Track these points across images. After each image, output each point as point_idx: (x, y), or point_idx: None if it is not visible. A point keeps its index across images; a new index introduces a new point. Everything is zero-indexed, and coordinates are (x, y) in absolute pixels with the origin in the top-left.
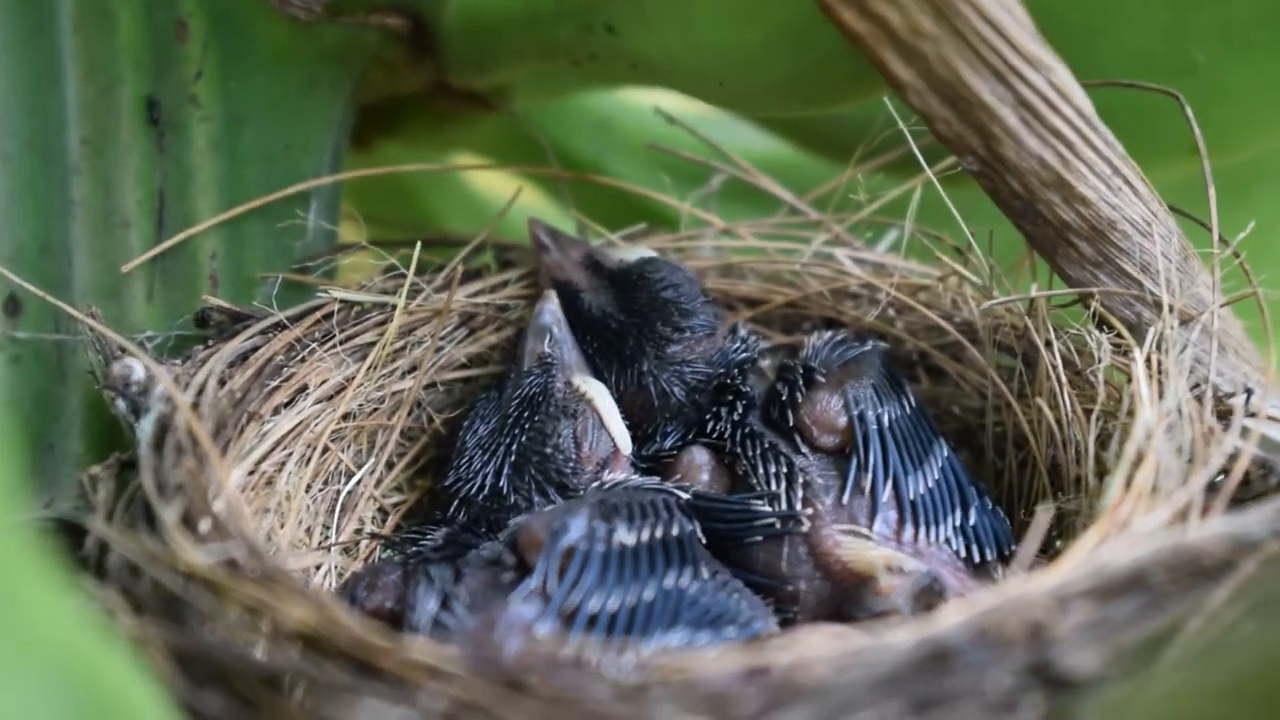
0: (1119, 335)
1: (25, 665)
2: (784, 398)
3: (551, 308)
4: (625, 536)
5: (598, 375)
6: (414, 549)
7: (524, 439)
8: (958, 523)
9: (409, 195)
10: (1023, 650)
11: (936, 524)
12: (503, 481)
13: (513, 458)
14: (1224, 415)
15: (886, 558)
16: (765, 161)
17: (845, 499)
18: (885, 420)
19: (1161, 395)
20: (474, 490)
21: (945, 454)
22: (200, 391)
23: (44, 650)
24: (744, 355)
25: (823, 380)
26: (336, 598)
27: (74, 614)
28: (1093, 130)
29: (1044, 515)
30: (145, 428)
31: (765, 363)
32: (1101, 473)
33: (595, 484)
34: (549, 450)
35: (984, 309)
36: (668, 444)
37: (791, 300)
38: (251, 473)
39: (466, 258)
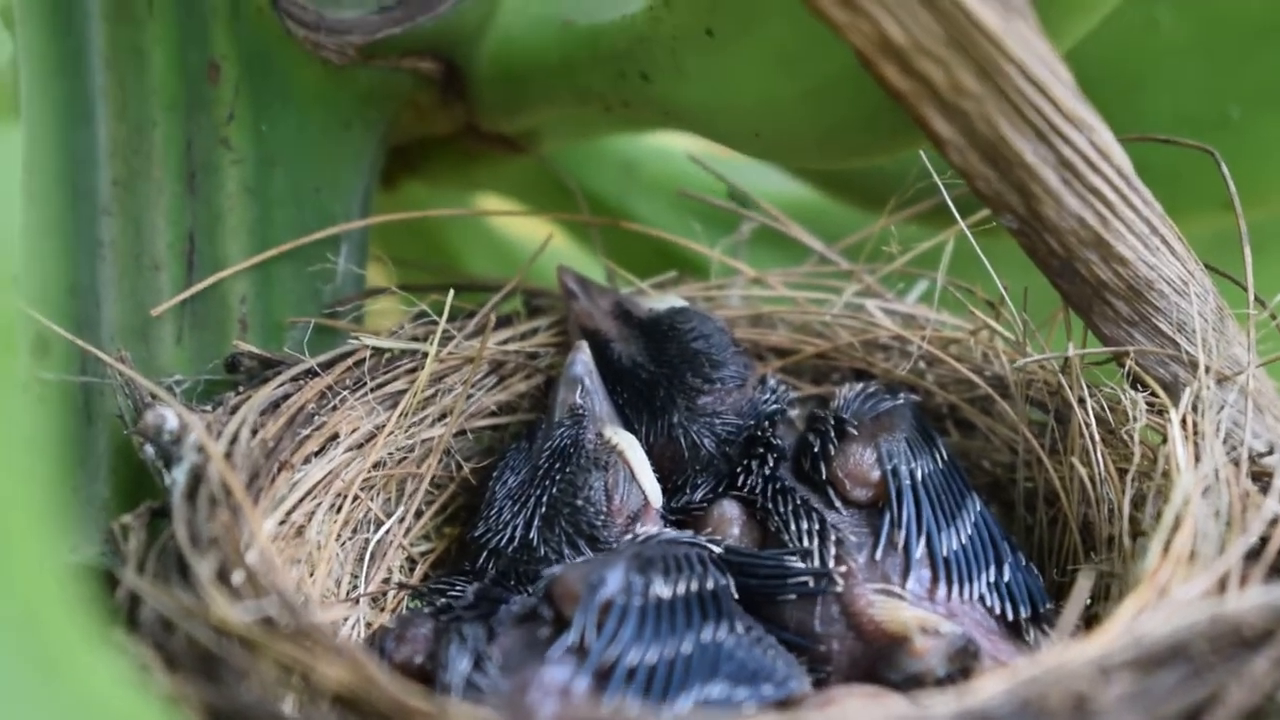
0: (1153, 394)
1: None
2: (815, 450)
3: (584, 358)
4: (662, 589)
5: (627, 426)
6: (443, 601)
7: (555, 491)
8: (991, 579)
9: (433, 235)
10: None
11: (970, 581)
12: (533, 534)
13: (543, 509)
14: (1259, 477)
15: (920, 619)
16: (795, 207)
17: (878, 555)
18: (919, 474)
19: (1198, 458)
20: (503, 542)
21: (978, 508)
22: (233, 440)
23: (86, 709)
24: (774, 406)
25: (855, 433)
26: (370, 653)
27: (113, 670)
28: (1132, 190)
29: (1084, 582)
30: (178, 478)
31: (794, 413)
32: (1136, 533)
33: (628, 537)
34: (580, 503)
35: (1017, 366)
36: (698, 496)
37: (822, 351)
38: (282, 522)
39: (497, 305)
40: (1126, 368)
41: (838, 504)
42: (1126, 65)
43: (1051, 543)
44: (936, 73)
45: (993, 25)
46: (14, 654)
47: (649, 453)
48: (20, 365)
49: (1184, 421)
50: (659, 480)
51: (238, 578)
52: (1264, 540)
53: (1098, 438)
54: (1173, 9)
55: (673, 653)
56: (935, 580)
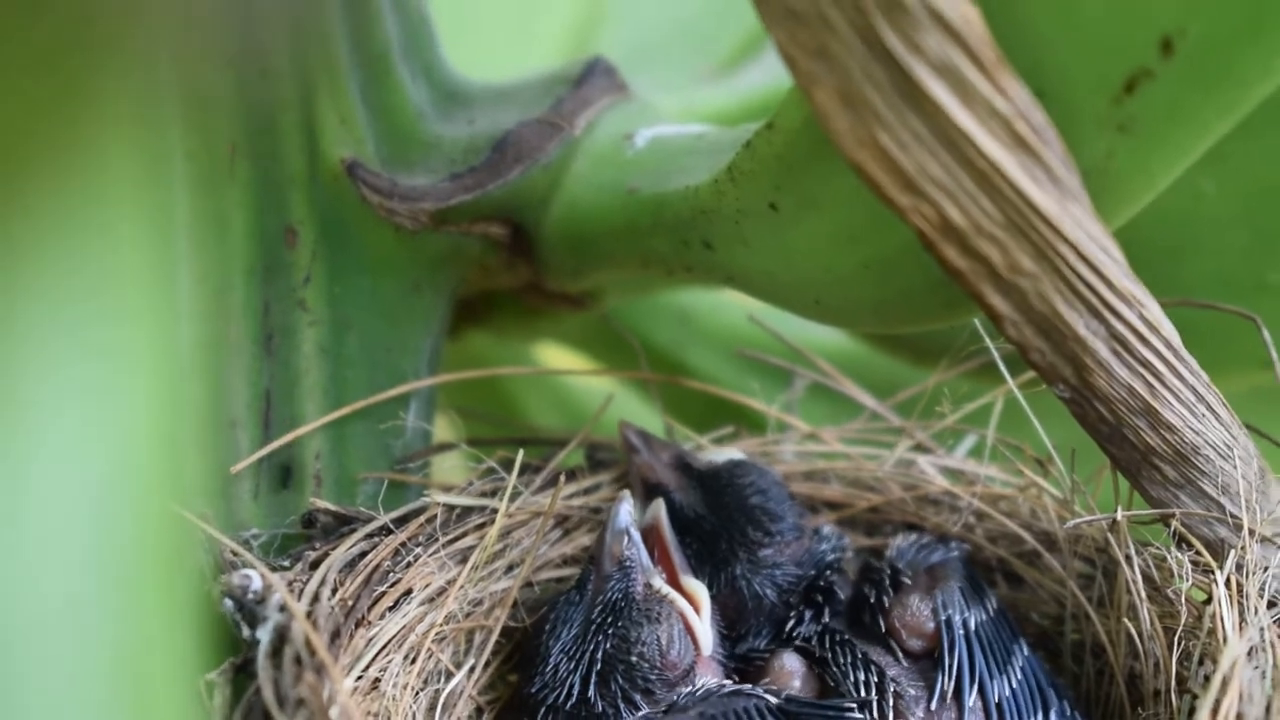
0: (1198, 554)
1: None
2: (872, 601)
3: (627, 508)
4: None
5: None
6: None
7: (609, 647)
8: None
9: (495, 383)
10: None
11: None
12: (590, 691)
13: (599, 667)
14: None
15: None
16: (847, 359)
17: (933, 706)
18: (972, 624)
19: (1243, 619)
20: (561, 698)
21: (1025, 654)
22: (314, 600)
23: None
24: (832, 556)
25: (909, 584)
26: None
27: None
28: (1180, 360)
29: None
30: (261, 637)
31: (848, 560)
32: (1182, 690)
33: (688, 690)
34: (634, 659)
35: (1069, 526)
36: (760, 645)
37: (874, 505)
38: (359, 677)
39: (560, 461)
40: (1172, 528)
41: (896, 653)
42: (1170, 231)
43: (1098, 694)
44: (995, 253)
45: (1049, 209)
46: None
47: (713, 601)
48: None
49: (1229, 582)
50: (725, 629)
51: None
52: None
53: (1144, 595)
54: (1216, 178)
55: None
56: None
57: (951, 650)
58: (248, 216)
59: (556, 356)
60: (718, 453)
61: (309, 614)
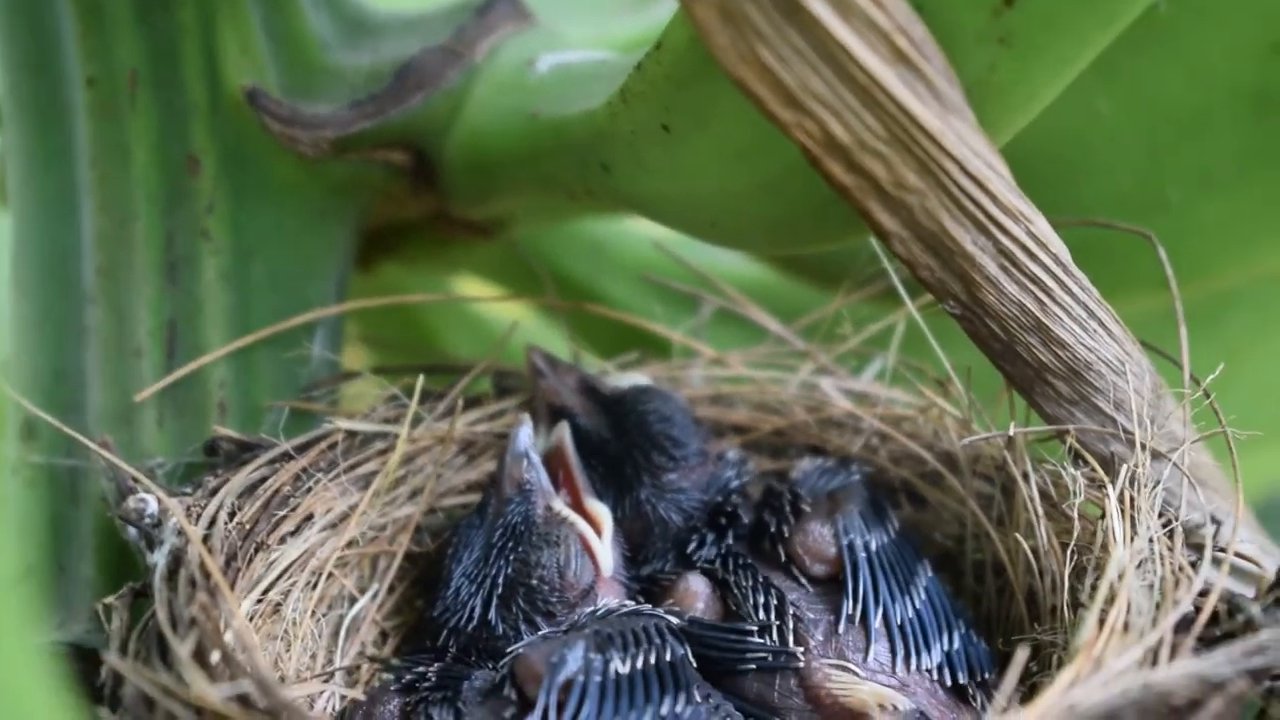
0: (1092, 469)
1: None
2: (772, 529)
3: (527, 432)
4: (620, 666)
5: (599, 497)
6: (409, 677)
7: (509, 571)
8: (944, 647)
9: (409, 314)
10: None
11: (925, 650)
12: (491, 613)
13: (500, 590)
14: (1194, 547)
15: (878, 694)
16: (753, 285)
17: (840, 630)
18: (873, 547)
19: (1134, 531)
20: (463, 621)
21: (928, 577)
22: (211, 523)
23: None
24: (736, 482)
25: (809, 510)
26: None
27: None
28: (1069, 276)
29: (1021, 654)
30: (158, 560)
31: (752, 484)
32: (1076, 604)
33: (589, 609)
34: (534, 582)
35: (964, 444)
36: (665, 567)
37: (779, 428)
38: (259, 601)
39: (465, 387)
40: (1068, 444)
41: (800, 579)
42: (1069, 151)
43: (999, 612)
44: (879, 169)
45: (932, 124)
46: None
47: (619, 524)
48: (9, 449)
49: (1121, 496)
50: (628, 551)
51: (215, 657)
52: (1195, 611)
53: (1041, 512)
54: (1113, 98)
55: None
56: (893, 651)
57: (854, 574)
58: (150, 146)
59: (470, 287)
60: (624, 378)
61: (205, 537)
